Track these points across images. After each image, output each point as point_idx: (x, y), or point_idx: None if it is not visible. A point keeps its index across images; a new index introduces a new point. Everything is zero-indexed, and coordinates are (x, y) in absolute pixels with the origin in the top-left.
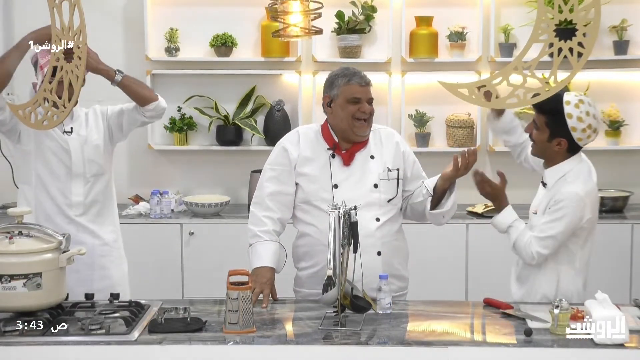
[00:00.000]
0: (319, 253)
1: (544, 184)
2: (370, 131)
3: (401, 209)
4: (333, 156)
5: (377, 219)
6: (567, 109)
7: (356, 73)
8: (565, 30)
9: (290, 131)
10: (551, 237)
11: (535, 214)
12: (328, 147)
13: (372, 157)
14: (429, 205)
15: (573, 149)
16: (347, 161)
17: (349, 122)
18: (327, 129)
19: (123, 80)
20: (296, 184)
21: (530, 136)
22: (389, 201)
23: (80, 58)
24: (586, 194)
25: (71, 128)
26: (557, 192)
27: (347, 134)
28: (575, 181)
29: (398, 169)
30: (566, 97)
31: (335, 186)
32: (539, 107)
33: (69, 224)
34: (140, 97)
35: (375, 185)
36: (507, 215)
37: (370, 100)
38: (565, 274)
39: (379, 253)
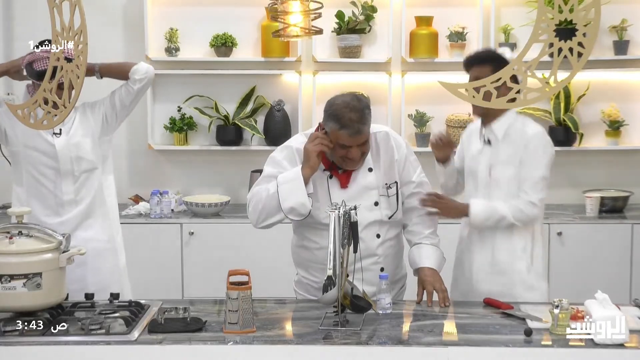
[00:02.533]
0: (316, 270)
1: (489, 141)
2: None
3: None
4: (330, 177)
5: (378, 236)
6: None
7: (348, 124)
8: (565, 30)
9: (284, 145)
10: (543, 177)
11: (492, 167)
12: (324, 168)
13: (370, 169)
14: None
15: None
16: (345, 183)
17: (338, 160)
18: None
19: (101, 69)
20: None
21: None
22: (389, 217)
23: (81, 58)
24: (545, 132)
25: (60, 130)
26: (519, 138)
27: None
28: (528, 123)
29: (396, 182)
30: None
31: None
32: (481, 61)
33: (60, 225)
34: (124, 72)
35: (376, 203)
36: (477, 207)
37: (363, 144)
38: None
39: (382, 269)
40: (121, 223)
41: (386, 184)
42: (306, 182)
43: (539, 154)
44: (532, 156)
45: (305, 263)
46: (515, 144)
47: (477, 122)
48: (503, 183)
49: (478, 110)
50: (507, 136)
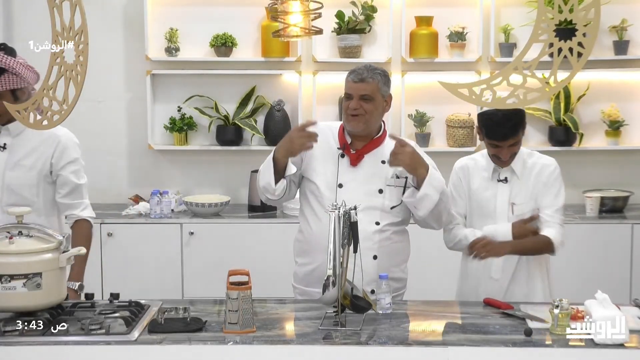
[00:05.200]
0: (316, 251)
1: (505, 179)
2: (387, 136)
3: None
4: (342, 156)
5: (377, 223)
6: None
7: (356, 70)
8: (565, 30)
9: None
10: (563, 203)
11: (514, 204)
12: (338, 146)
13: (383, 162)
14: (405, 194)
15: None
16: (354, 162)
17: (344, 117)
18: (342, 129)
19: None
20: (302, 177)
21: (502, 159)
22: (392, 208)
23: (81, 58)
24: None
25: (4, 144)
26: (536, 172)
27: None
28: (537, 155)
29: (406, 177)
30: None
31: (340, 186)
32: (517, 129)
33: None
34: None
35: (380, 191)
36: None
37: (363, 97)
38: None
39: (374, 257)
40: (121, 223)
41: (396, 175)
42: (280, 163)
43: (558, 181)
44: (551, 185)
45: (305, 248)
46: (532, 178)
47: (470, 158)
48: (525, 217)
49: (510, 161)
50: (525, 171)
